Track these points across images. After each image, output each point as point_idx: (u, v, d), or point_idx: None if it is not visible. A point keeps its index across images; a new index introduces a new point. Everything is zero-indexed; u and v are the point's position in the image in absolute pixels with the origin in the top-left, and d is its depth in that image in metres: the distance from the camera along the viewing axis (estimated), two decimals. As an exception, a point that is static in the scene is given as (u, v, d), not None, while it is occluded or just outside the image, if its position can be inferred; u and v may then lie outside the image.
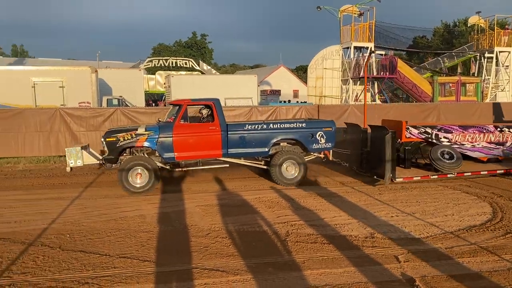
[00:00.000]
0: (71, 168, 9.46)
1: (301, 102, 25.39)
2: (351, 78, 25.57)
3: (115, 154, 9.23)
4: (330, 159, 10.33)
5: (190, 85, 20.93)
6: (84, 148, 9.51)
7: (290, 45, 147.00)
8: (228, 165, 9.76)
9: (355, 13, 25.58)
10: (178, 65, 34.74)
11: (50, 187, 9.64)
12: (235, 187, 9.33)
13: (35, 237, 6.02)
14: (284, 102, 26.71)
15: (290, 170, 9.59)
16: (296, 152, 9.73)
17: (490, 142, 11.01)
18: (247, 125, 9.65)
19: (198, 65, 35.32)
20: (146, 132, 9.26)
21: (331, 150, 10.10)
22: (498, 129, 11.10)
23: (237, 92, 20.53)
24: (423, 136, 10.69)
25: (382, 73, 25.13)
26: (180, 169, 9.78)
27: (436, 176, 9.64)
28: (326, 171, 11.20)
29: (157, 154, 9.26)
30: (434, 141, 10.61)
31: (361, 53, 25.78)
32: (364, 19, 25.48)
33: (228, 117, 14.13)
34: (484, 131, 11.01)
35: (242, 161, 9.86)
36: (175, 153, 9.28)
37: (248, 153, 9.70)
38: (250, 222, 6.62)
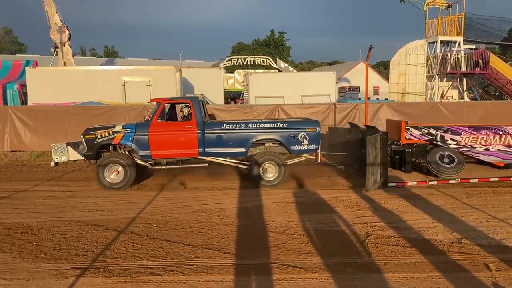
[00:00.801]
0: (56, 163, 9.90)
1: (384, 100, 24.53)
2: (437, 74, 24.19)
3: (93, 151, 9.49)
4: (319, 161, 9.62)
5: (268, 83, 21.14)
6: (69, 144, 9.85)
7: (370, 40, 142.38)
8: (207, 164, 9.67)
9: (442, 6, 24.12)
10: (256, 63, 35.24)
11: (138, 179, 10.24)
12: (312, 185, 9.26)
13: (125, 225, 6.48)
14: (364, 99, 25.96)
15: (270, 171, 9.37)
16: (276, 153, 9.45)
17: (509, 146, 10.02)
18: (224, 124, 9.48)
19: (276, 63, 35.55)
20: (123, 130, 9.45)
21: (320, 152, 9.50)
22: None
23: (314, 89, 20.34)
24: (426, 138, 9.95)
25: (472, 68, 23.45)
26: (161, 167, 9.70)
27: (435, 182, 8.94)
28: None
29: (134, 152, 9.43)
30: (439, 143, 9.85)
31: (448, 48, 24.27)
32: (452, 12, 23.95)
33: (304, 115, 14.13)
34: (501, 133, 10.04)
35: (223, 160, 9.68)
36: (151, 151, 9.36)
37: (225, 153, 9.52)
38: (328, 221, 6.55)
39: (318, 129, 9.43)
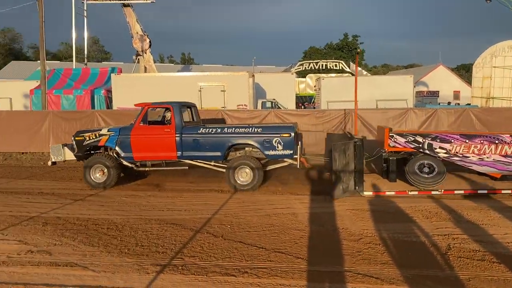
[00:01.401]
0: (53, 162, 10.63)
1: (466, 105, 23.11)
2: (527, 77, 22.28)
3: (82, 152, 10.12)
4: (299, 166, 9.43)
5: (340, 87, 20.81)
6: (66, 145, 10.47)
7: (451, 42, 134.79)
8: (187, 167, 10.02)
9: (534, 2, 22.22)
10: (328, 67, 34.86)
11: (211, 181, 10.54)
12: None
13: (201, 225, 6.71)
14: (444, 104, 24.64)
15: (244, 175, 9.43)
16: (251, 157, 9.54)
17: (506, 155, 9.08)
18: (201, 129, 9.67)
19: (349, 66, 34.92)
20: (108, 133, 9.95)
21: (299, 157, 9.31)
22: None
23: (390, 93, 19.67)
24: (412, 146, 9.24)
25: None
26: (147, 168, 10.17)
27: (416, 193, 8.56)
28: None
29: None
30: (427, 151, 9.15)
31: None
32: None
33: (379, 120, 13.69)
34: (497, 141, 9.11)
35: (202, 163, 9.89)
36: (133, 153, 9.81)
37: (202, 157, 9.70)
38: (405, 231, 6.28)
39: (292, 134, 9.30)
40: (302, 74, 36.61)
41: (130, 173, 10.73)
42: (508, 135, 9.24)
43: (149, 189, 9.68)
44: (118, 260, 5.24)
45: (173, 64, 57.79)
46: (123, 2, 26.77)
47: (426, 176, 8.83)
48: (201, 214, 7.36)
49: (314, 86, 28.25)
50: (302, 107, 29.76)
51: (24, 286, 4.55)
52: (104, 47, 66.52)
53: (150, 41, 27.46)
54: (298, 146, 9.38)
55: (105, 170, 9.84)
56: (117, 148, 9.93)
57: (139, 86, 18.52)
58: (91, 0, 27.21)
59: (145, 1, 27.20)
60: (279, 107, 19.72)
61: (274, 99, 20.57)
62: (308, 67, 35.22)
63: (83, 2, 27.40)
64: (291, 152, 9.37)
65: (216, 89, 17.92)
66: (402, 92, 19.93)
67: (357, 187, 8.64)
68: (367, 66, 62.94)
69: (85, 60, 30.13)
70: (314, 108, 23.96)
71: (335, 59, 40.64)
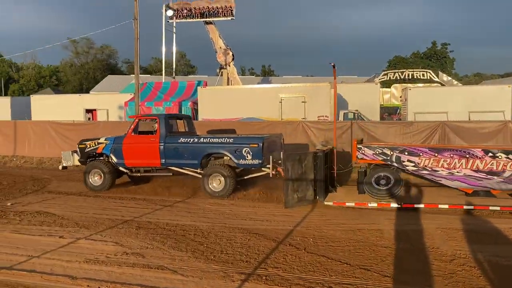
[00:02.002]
0: (64, 167, 11.78)
1: None
2: None
3: (84, 158, 11.33)
4: (271, 175, 9.72)
5: (429, 97, 19.78)
6: (75, 152, 11.57)
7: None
8: (171, 174, 10.91)
9: None
10: (415, 77, 33.35)
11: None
12: (482, 212, 8.29)
13: (283, 236, 6.73)
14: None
15: (217, 182, 9.99)
16: (223, 166, 10.09)
17: (478, 170, 8.77)
18: (180, 138, 10.50)
19: (437, 76, 33.11)
20: (104, 141, 11.11)
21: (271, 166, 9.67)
22: (490, 154, 8.69)
23: (484, 105, 18.27)
24: (380, 158, 9.26)
25: None
26: (139, 174, 11.14)
27: (375, 205, 8.67)
28: None
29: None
30: (395, 164, 9.18)
31: None
32: None
33: (472, 133, 12.78)
34: (467, 156, 8.82)
35: (183, 170, 10.68)
36: (125, 160, 10.86)
37: (181, 164, 10.52)
38: (505, 254, 5.75)
39: (260, 144, 9.74)
40: (386, 84, 35.42)
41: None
42: (480, 150, 8.90)
43: (230, 197, 9.91)
44: (205, 266, 5.43)
45: (253, 76, 59.06)
46: (205, 20, 28.07)
47: (380, 188, 9.09)
48: (283, 226, 7.38)
49: (400, 97, 27.17)
50: (387, 118, 28.75)
51: (121, 285, 4.88)
52: (190, 61, 70.01)
53: (233, 54, 28.40)
54: (271, 156, 9.64)
55: (102, 175, 10.90)
56: (111, 155, 11.01)
57: (222, 98, 19.21)
58: (177, 19, 28.80)
59: (225, 18, 28.21)
60: (362, 118, 19.24)
61: (356, 110, 20.12)
62: (393, 77, 34.00)
63: (168, 21, 29.11)
64: (260, 161, 9.84)
65: (296, 100, 17.97)
66: (498, 103, 18.43)
67: (317, 197, 9.01)
68: (458, 75, 59.16)
69: (173, 73, 31.90)
70: (400, 119, 23.01)
71: (422, 68, 38.80)
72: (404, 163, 9.16)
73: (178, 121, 11.95)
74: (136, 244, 6.36)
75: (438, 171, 9.05)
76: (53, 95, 35.04)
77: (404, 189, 9.44)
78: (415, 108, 19.22)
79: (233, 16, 27.92)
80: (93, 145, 11.26)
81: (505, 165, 8.64)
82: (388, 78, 34.07)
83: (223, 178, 10.00)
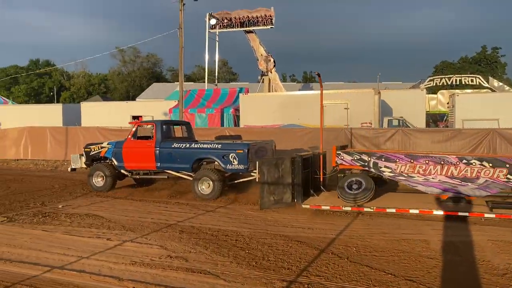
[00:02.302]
0: (72, 169, 12.64)
1: None
2: None
3: (89, 161, 12.09)
4: (257, 180, 9.48)
5: (478, 104, 19.00)
6: (83, 155, 12.35)
7: None
8: (166, 177, 11.49)
9: None
10: (463, 82, 32.16)
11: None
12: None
13: (325, 244, 6.64)
14: None
15: (206, 186, 10.48)
16: (212, 170, 10.56)
17: (452, 177, 8.87)
18: (174, 143, 11.09)
19: (487, 81, 31.75)
20: (107, 146, 11.85)
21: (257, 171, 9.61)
22: (464, 161, 8.83)
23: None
24: (359, 164, 9.52)
25: None
26: (138, 176, 11.80)
27: (349, 208, 8.91)
28: None
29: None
30: (373, 170, 9.38)
31: None
32: None
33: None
34: (442, 162, 8.96)
35: (177, 174, 11.27)
36: (125, 163, 11.58)
37: (175, 168, 11.12)
38: None
39: (245, 150, 10.23)
40: (432, 90, 34.36)
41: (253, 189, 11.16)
42: (454, 157, 9.05)
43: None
44: (247, 272, 5.45)
45: (295, 83, 58.97)
46: (246, 29, 28.39)
47: (351, 192, 9.20)
48: (325, 234, 7.29)
49: (447, 103, 26.25)
50: (433, 125, 27.86)
51: (165, 288, 5.00)
52: (232, 68, 70.94)
53: (274, 61, 28.54)
54: (257, 162, 9.52)
55: (104, 177, 11.69)
56: (113, 159, 11.76)
57: (264, 104, 19.32)
58: (219, 29, 29.27)
59: (265, 27, 28.40)
60: (407, 125, 18.74)
61: (401, 117, 19.62)
62: (439, 83, 32.94)
63: (209, 31, 29.60)
64: (246, 166, 10.33)
65: (339, 107, 17.78)
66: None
67: (295, 200, 9.33)
68: (510, 80, 56.46)
69: (216, 81, 32.42)
70: (447, 126, 22.22)
71: (471, 74, 37.34)
72: (381, 169, 9.36)
73: (176, 127, 12.71)
74: (180, 248, 6.49)
75: (414, 177, 9.16)
76: (102, 102, 36.52)
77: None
78: (463, 115, 18.52)
79: (272, 25, 28.08)
80: (97, 149, 12.06)
81: (479, 172, 8.70)
82: (434, 84, 33.06)
83: (211, 182, 10.47)
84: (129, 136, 11.70)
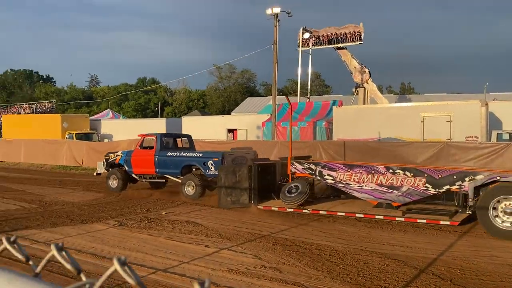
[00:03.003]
0: (97, 173, 15.00)
1: None
2: None
3: (108, 166, 14.36)
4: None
5: None
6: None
7: None
8: (164, 180, 13.80)
9: None
10: None
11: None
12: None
13: (425, 265, 6.28)
14: None
15: (191, 188, 12.25)
16: (195, 175, 12.37)
17: (381, 185, 9.62)
18: (168, 152, 13.18)
19: None
20: (120, 154, 14.13)
21: None
22: (391, 170, 9.61)
23: None
24: (308, 172, 10.60)
25: None
26: (145, 180, 14.04)
27: (292, 210, 9.97)
28: None
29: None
30: (318, 177, 10.48)
31: None
32: None
33: None
34: (373, 171, 9.80)
35: (172, 177, 13.31)
36: (133, 169, 13.71)
37: (169, 173, 13.16)
38: None
39: (220, 159, 12.03)
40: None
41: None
42: (383, 166, 9.83)
43: (363, 219, 9.61)
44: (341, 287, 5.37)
45: (392, 95, 56.80)
46: (335, 46, 28.09)
47: (288, 195, 10.14)
48: (425, 253, 6.89)
49: None
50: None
51: (259, 296, 5.11)
52: (324, 81, 70.61)
53: (369, 72, 27.85)
54: None
55: (117, 180, 13.85)
56: (124, 165, 13.87)
57: (358, 117, 18.92)
58: (306, 47, 29.28)
59: (353, 43, 27.83)
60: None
61: (512, 130, 17.90)
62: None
63: (296, 50, 29.71)
64: None
65: (440, 119, 16.77)
66: None
67: (252, 201, 10.69)
68: None
69: (308, 94, 32.52)
70: None
71: None
72: (325, 177, 10.42)
73: (177, 139, 14.92)
74: (274, 259, 6.59)
75: (351, 184, 10.07)
76: (200, 117, 38.64)
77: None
78: None
79: (361, 41, 27.44)
80: (113, 157, 14.34)
81: (402, 181, 9.45)
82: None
83: (194, 185, 12.30)
84: (137, 146, 13.92)
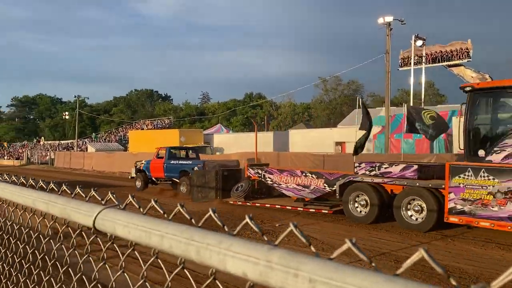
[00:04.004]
0: (132, 177, 19.48)
1: None
2: None
3: (136, 172, 18.93)
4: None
5: None
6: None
7: None
8: (171, 182, 18.24)
9: None
10: None
11: None
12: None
13: None
14: None
15: (185, 188, 16.64)
16: (187, 177, 16.38)
17: (298, 184, 12.78)
18: (172, 161, 17.81)
19: None
20: (143, 162, 18.78)
21: None
22: (304, 174, 12.83)
23: None
24: (257, 175, 13.81)
25: None
26: (159, 182, 18.65)
27: (249, 204, 13.39)
28: None
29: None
30: (263, 180, 13.69)
31: None
32: None
33: None
34: (294, 174, 13.02)
35: (176, 180, 17.47)
36: (151, 173, 18.39)
37: (172, 176, 17.60)
38: None
39: (201, 166, 16.37)
40: None
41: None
42: (299, 171, 13.17)
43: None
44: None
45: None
46: (443, 64, 25.98)
47: (236, 192, 13.86)
48: None
49: None
50: None
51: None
52: (438, 90, 66.18)
53: (490, 77, 25.38)
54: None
55: (140, 182, 18.80)
56: (146, 171, 18.64)
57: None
58: (404, 67, 27.43)
59: (460, 61, 25.44)
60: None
61: None
62: None
63: (398, 69, 27.96)
64: None
65: None
66: None
67: (218, 197, 14.30)
68: None
69: (422, 104, 30.67)
70: None
71: None
72: (267, 179, 13.64)
73: (185, 151, 19.90)
74: (397, 278, 6.25)
75: (281, 184, 13.22)
76: (307, 129, 38.74)
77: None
78: None
79: (469, 58, 24.91)
80: (139, 164, 19.05)
81: (310, 182, 12.50)
82: None
83: (187, 185, 16.38)
84: (154, 156, 18.59)
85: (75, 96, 61.70)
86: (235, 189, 13.88)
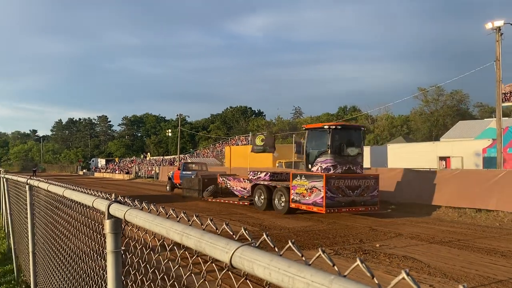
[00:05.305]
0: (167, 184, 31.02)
1: None
2: None
3: (168, 179, 29.98)
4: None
5: None
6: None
7: None
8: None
9: None
10: None
11: None
12: None
13: None
14: None
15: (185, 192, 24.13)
16: (189, 180, 23.73)
17: (241, 187, 18.77)
18: (183, 172, 27.72)
19: None
20: (171, 173, 29.36)
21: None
22: (242, 179, 18.96)
23: None
24: (223, 181, 20.29)
25: None
26: (179, 187, 27.05)
27: (223, 200, 20.23)
28: None
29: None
30: (226, 185, 20.16)
31: None
32: None
33: None
34: (240, 180, 19.07)
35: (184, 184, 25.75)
36: (174, 181, 28.32)
37: (181, 183, 25.60)
38: None
39: (195, 175, 24.54)
40: None
41: None
42: (242, 178, 19.01)
43: None
44: None
45: None
46: None
47: (206, 192, 21.11)
48: None
49: None
50: None
51: None
52: None
53: None
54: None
55: (169, 186, 28.94)
56: (172, 178, 28.30)
57: None
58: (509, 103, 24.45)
59: None
60: None
61: None
62: None
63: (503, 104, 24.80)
64: None
65: None
66: None
67: (200, 196, 21.27)
68: None
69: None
70: None
71: None
72: (228, 184, 19.95)
73: (197, 164, 30.21)
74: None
75: (234, 187, 19.49)
76: (407, 143, 36.84)
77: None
78: None
79: None
80: (169, 175, 28.68)
81: (246, 185, 18.48)
82: None
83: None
84: (177, 168, 28.06)
85: (177, 115, 65.85)
86: (206, 190, 21.17)
